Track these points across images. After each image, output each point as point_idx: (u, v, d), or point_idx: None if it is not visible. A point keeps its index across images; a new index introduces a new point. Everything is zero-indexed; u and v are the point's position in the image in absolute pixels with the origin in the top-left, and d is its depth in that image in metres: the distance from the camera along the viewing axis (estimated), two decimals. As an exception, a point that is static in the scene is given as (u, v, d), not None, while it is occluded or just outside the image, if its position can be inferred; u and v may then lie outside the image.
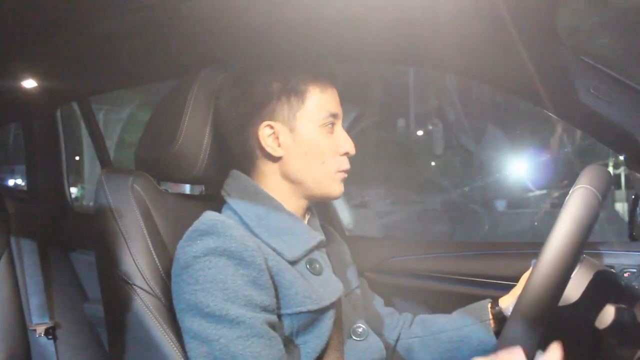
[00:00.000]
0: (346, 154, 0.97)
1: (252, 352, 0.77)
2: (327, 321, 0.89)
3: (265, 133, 0.93)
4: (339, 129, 0.97)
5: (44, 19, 1.02)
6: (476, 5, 0.95)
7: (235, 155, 0.98)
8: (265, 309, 0.81)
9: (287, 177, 0.95)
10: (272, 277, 0.84)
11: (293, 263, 0.89)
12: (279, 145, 0.93)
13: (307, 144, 0.93)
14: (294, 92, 0.92)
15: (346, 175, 0.97)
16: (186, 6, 0.95)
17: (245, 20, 1.05)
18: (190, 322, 0.80)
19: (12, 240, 1.55)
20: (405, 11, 1.01)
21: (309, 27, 1.09)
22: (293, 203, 0.96)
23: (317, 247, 0.95)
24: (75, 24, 1.05)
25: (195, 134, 0.96)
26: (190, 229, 0.85)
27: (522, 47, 1.00)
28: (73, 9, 0.97)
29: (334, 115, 0.95)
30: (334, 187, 0.96)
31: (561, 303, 0.80)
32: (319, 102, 0.94)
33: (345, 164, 0.96)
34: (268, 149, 0.93)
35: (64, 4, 0.96)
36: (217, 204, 0.96)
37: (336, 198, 1.00)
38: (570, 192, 0.76)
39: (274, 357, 0.79)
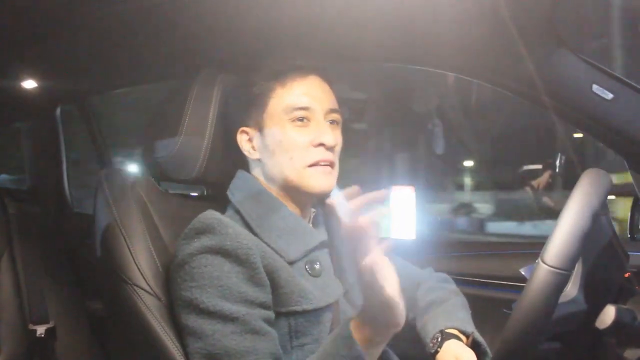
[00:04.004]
0: (321, 145, 0.91)
1: (246, 347, 0.78)
2: (325, 324, 0.88)
3: (242, 139, 0.97)
4: (316, 121, 0.92)
5: (44, 19, 1.02)
6: (476, 5, 0.95)
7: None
8: (261, 305, 0.82)
9: (268, 178, 0.96)
10: (267, 275, 0.84)
11: (292, 263, 0.89)
12: (254, 149, 0.96)
13: (274, 142, 0.93)
14: (256, 94, 0.94)
15: (325, 167, 0.91)
16: (186, 6, 0.96)
17: (245, 21, 1.05)
18: (186, 319, 0.81)
19: (13, 240, 1.54)
20: (405, 11, 1.01)
21: (309, 28, 1.09)
22: (292, 202, 0.96)
23: (319, 247, 0.94)
24: (75, 24, 1.05)
25: (195, 135, 0.97)
26: (189, 226, 0.86)
27: (522, 47, 1.00)
28: (72, 9, 0.97)
29: (304, 109, 0.92)
30: (309, 181, 0.91)
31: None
32: (281, 99, 0.93)
33: (318, 155, 0.91)
34: (246, 153, 0.97)
35: (63, 4, 0.96)
36: (218, 204, 0.96)
37: (319, 193, 0.92)
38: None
39: (269, 351, 0.80)
